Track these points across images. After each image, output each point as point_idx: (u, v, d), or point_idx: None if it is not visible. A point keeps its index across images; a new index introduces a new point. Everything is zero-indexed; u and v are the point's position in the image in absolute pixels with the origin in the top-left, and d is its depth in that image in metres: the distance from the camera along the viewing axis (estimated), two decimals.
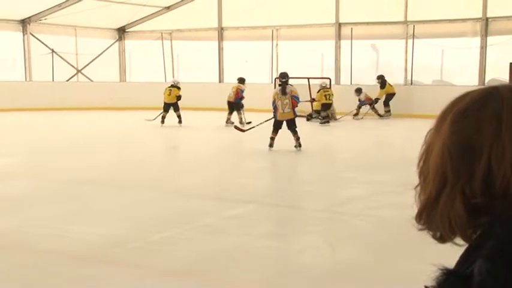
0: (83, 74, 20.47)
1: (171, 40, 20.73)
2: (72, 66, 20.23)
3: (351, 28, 17.75)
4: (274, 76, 18.08)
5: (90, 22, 19.71)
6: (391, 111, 16.15)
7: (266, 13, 18.39)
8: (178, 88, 14.07)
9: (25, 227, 5.33)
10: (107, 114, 17.35)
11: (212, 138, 13.21)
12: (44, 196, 6.67)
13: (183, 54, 20.65)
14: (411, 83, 17.33)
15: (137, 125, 14.72)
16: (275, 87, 16.64)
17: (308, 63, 18.19)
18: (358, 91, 16.10)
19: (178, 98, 13.80)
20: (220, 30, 19.97)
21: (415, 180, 0.78)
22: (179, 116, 13.94)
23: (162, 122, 13.85)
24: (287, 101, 10.21)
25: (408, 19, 17.10)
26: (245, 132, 11.27)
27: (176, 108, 13.96)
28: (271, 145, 10.24)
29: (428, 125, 0.79)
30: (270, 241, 4.93)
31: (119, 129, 13.97)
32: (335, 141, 12.11)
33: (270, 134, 10.32)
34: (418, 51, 17.02)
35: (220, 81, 19.85)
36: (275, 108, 10.38)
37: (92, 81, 20.39)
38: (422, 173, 0.76)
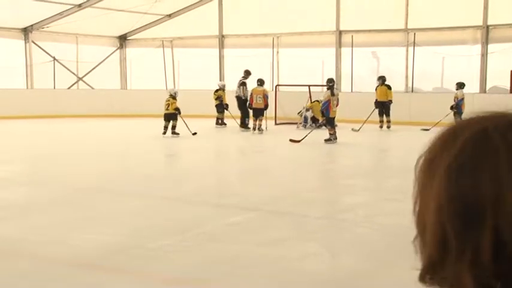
0: (84, 81, 20.49)
1: (172, 48, 20.78)
2: (74, 74, 20.26)
3: (352, 35, 17.78)
4: (275, 83, 18.25)
5: (92, 30, 19.76)
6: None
7: (267, 21, 18.44)
8: (175, 98, 13.85)
9: (25, 234, 5.31)
10: (107, 122, 17.35)
11: (213, 146, 13.21)
12: (45, 203, 6.65)
13: (184, 61, 20.64)
14: (412, 90, 17.34)
15: (138, 133, 14.72)
16: (276, 94, 17.09)
17: (309, 70, 18.21)
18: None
19: (177, 110, 13.59)
20: (221, 37, 20.03)
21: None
22: (174, 127, 13.61)
23: (164, 132, 13.66)
24: (335, 101, 12.61)
25: (409, 27, 17.13)
26: (300, 142, 12.11)
27: (174, 119, 13.72)
28: (335, 138, 12.30)
29: (428, 133, 0.73)
30: (271, 248, 4.91)
31: (119, 137, 13.96)
32: (335, 148, 12.08)
33: (326, 133, 12.29)
34: (418, 58, 17.04)
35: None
36: (326, 107, 12.38)
37: (93, 88, 20.40)
38: (418, 227, 0.67)
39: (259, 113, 14.68)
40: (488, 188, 0.59)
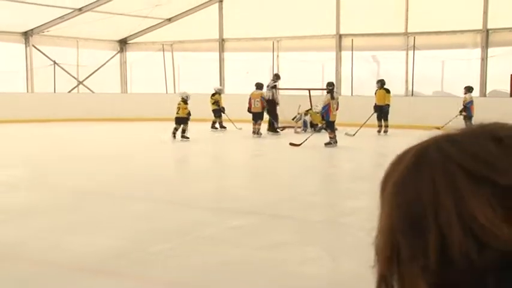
0: (84, 85, 20.49)
1: (172, 51, 20.80)
2: (74, 78, 20.27)
3: (352, 39, 17.80)
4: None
5: (92, 34, 19.77)
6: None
7: (267, 24, 18.44)
8: (186, 103, 14.05)
9: (26, 238, 5.31)
10: (108, 126, 17.36)
11: (213, 150, 13.21)
12: (45, 207, 6.65)
13: (184, 65, 20.67)
14: (412, 94, 17.35)
15: (138, 137, 14.73)
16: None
17: (309, 74, 18.23)
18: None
19: (188, 115, 13.75)
20: (221, 41, 20.05)
21: None
22: (184, 131, 13.74)
23: (174, 136, 13.73)
24: (335, 105, 12.67)
25: (409, 30, 17.13)
26: (300, 146, 12.08)
27: (184, 123, 13.83)
28: (335, 142, 12.33)
29: (425, 137, 0.77)
30: (272, 252, 4.90)
31: (120, 141, 13.96)
32: (336, 152, 12.08)
33: (325, 136, 12.44)
34: (418, 62, 17.05)
35: (222, 92, 19.76)
36: (326, 111, 12.43)
37: (93, 92, 20.42)
38: (375, 249, 0.71)
39: (257, 117, 14.70)
40: (427, 195, 0.64)
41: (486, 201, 0.61)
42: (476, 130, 0.67)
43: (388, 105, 14.95)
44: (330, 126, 12.52)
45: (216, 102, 16.12)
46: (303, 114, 15.94)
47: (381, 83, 15.23)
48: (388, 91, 15.14)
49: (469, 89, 14.73)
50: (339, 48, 18.20)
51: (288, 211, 6.54)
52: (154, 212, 6.48)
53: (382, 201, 0.70)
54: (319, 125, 13.95)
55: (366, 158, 11.44)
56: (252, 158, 12.13)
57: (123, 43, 21.52)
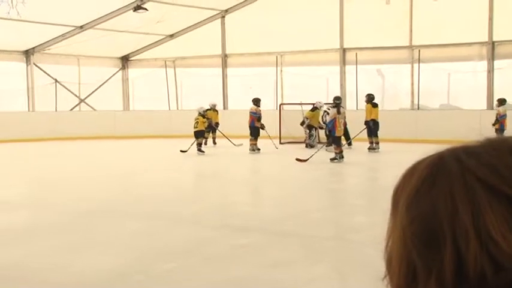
0: (86, 103, 20.60)
1: (174, 68, 20.93)
2: (75, 96, 20.37)
3: (356, 53, 17.86)
4: (279, 102, 18.40)
5: (93, 51, 19.89)
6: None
7: (270, 39, 18.52)
8: (204, 117, 14.50)
9: (27, 259, 5.28)
10: (110, 144, 17.39)
11: (218, 165, 13.19)
12: (46, 227, 6.63)
13: (187, 81, 20.77)
14: (418, 108, 17.33)
15: (141, 154, 14.74)
16: (280, 113, 17.15)
17: (313, 88, 18.32)
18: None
19: (216, 125, 14.21)
20: (224, 57, 20.16)
21: None
22: (199, 144, 14.26)
23: (199, 149, 14.17)
24: (342, 120, 12.72)
25: (413, 43, 17.17)
26: (307, 161, 12.11)
27: (201, 136, 14.45)
28: (341, 157, 12.32)
29: (435, 151, 0.75)
30: (278, 271, 4.85)
31: (122, 159, 13.97)
32: (341, 167, 12.05)
33: (331, 152, 12.56)
34: (424, 75, 17.04)
35: (224, 108, 19.90)
36: (332, 126, 12.55)
37: (95, 110, 20.50)
38: (386, 262, 0.70)
39: (250, 132, 14.65)
40: (444, 209, 0.62)
41: (503, 218, 0.60)
42: (495, 142, 0.65)
43: (373, 120, 14.32)
44: (336, 142, 12.50)
45: (208, 119, 15.84)
46: (306, 119, 15.81)
47: (368, 97, 14.78)
48: (374, 105, 14.53)
49: (501, 102, 14.32)
50: (343, 62, 18.25)
51: (294, 228, 6.49)
52: (157, 230, 6.44)
53: (394, 215, 0.68)
54: (324, 144, 13.84)
55: (372, 174, 11.40)
56: (257, 173, 12.08)
57: (125, 60, 21.66)
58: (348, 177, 11.32)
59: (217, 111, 16.33)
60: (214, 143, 16.34)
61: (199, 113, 14.61)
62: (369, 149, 14.26)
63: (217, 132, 16.35)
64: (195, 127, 14.40)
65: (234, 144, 15.62)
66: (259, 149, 14.49)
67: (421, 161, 0.68)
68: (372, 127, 14.30)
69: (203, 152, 14.13)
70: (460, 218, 0.61)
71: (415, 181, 0.66)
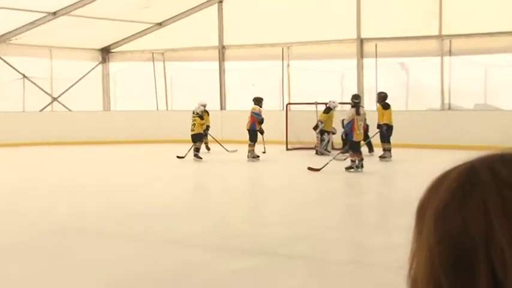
0: (59, 102, 20.58)
1: (163, 61, 20.90)
2: (47, 94, 20.35)
3: (375, 44, 17.84)
4: (286, 102, 18.40)
5: (68, 42, 19.84)
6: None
7: (275, 28, 18.49)
8: (201, 118, 14.53)
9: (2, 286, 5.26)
10: (88, 150, 17.32)
11: (213, 174, 13.22)
12: (14, 249, 6.60)
13: (178, 77, 20.75)
14: (449, 108, 17.32)
15: (124, 163, 14.75)
16: (286, 115, 17.16)
17: (326, 86, 18.30)
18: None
19: (206, 129, 14.26)
20: (222, 48, 20.13)
21: None
22: (197, 149, 14.42)
23: (196, 155, 14.33)
24: (361, 122, 12.63)
25: (443, 33, 17.15)
26: (320, 171, 12.08)
27: (199, 140, 14.55)
28: (358, 166, 12.25)
29: (466, 159, 0.73)
30: None
31: (101, 168, 13.95)
32: (358, 178, 12.02)
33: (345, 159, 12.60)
34: (456, 70, 16.99)
35: (222, 108, 19.90)
36: (350, 129, 12.38)
37: (70, 110, 20.49)
38: (410, 283, 0.72)
39: (249, 137, 14.68)
40: (478, 226, 0.63)
41: None
42: None
43: (386, 124, 14.23)
44: (354, 148, 12.48)
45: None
46: (320, 123, 15.86)
47: (378, 95, 14.76)
48: (385, 106, 14.40)
49: None
50: (361, 54, 18.22)
51: (304, 250, 6.46)
52: (144, 253, 6.43)
53: (419, 233, 0.69)
54: (340, 151, 13.84)
55: (395, 185, 11.39)
56: (261, 185, 12.12)
57: (105, 52, 21.57)
58: (367, 189, 11.33)
59: (207, 112, 16.30)
60: (208, 148, 16.43)
61: (197, 113, 14.65)
62: (380, 157, 14.29)
63: (209, 137, 16.39)
64: (192, 130, 14.49)
65: (227, 150, 15.71)
66: (258, 156, 14.55)
67: (450, 170, 0.69)
68: (385, 132, 14.28)
69: (200, 158, 14.27)
70: (495, 236, 0.62)
71: (443, 194, 0.67)
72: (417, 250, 0.70)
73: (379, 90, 15.48)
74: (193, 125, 14.54)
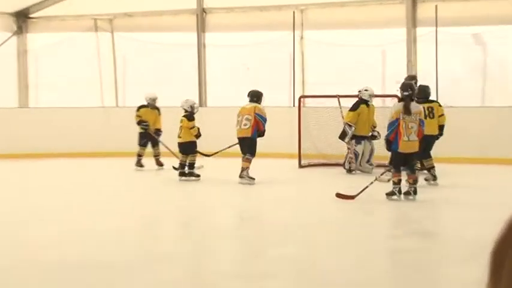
0: None
1: (112, 32, 21.11)
2: None
3: (436, 5, 17.67)
4: (298, 94, 18.53)
5: None
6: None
7: None
8: (190, 118, 14.77)
9: None
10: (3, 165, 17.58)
11: (203, 203, 13.38)
12: None
13: (134, 55, 20.99)
14: None
15: (54, 188, 14.44)
16: (299, 112, 17.05)
17: (357, 68, 18.53)
18: None
19: (197, 136, 14.76)
20: (201, 12, 20.21)
21: None
22: (191, 166, 14.91)
23: (181, 173, 14.86)
24: (413, 124, 11.89)
25: None
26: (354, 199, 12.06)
27: (191, 152, 15.01)
28: (400, 192, 11.91)
29: None
30: None
31: (18, 194, 13.75)
32: (407, 208, 11.96)
33: (385, 178, 12.43)
34: None
35: (201, 104, 19.61)
36: (392, 131, 11.91)
37: None
38: None
39: (245, 147, 14.55)
40: None
41: None
42: None
43: (441, 134, 14.18)
44: (397, 163, 12.18)
45: (141, 122, 16.28)
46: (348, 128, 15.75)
47: (420, 89, 14.20)
48: (431, 108, 14.15)
49: None
50: (413, 21, 18.19)
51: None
52: None
53: (496, 282, 0.78)
54: (387, 169, 13.53)
55: (458, 219, 11.21)
56: (262, 220, 12.03)
57: (22, 18, 21.60)
58: (417, 226, 11.15)
59: (158, 109, 16.33)
60: (159, 164, 16.55)
61: (185, 111, 14.78)
62: (426, 180, 14.19)
63: (161, 146, 16.55)
64: (178, 136, 14.87)
65: (174, 168, 15.60)
66: (254, 178, 14.39)
67: None
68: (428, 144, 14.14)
69: (198, 176, 14.77)
70: None
71: None
72: None
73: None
74: (180, 129, 14.66)
